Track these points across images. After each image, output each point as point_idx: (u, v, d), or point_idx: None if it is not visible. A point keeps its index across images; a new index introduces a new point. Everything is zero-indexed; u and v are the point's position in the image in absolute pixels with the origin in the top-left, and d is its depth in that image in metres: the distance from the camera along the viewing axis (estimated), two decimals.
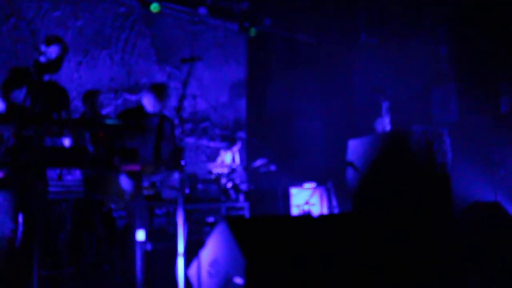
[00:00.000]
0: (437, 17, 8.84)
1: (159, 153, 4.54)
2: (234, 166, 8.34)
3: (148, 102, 4.45)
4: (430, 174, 4.36)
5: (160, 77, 9.29)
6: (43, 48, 3.42)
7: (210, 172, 8.64)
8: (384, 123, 7.40)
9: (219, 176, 8.21)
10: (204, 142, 9.83)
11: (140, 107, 4.58)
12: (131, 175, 3.60)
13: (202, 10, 9.32)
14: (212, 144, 9.91)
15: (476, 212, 4.85)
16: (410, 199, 4.20)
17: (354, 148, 4.69)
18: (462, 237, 4.51)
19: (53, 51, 3.44)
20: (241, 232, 3.05)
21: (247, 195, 7.75)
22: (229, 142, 8.78)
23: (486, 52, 7.58)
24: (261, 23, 10.33)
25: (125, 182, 4.25)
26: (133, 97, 8.78)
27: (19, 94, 3.29)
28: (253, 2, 9.93)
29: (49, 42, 3.45)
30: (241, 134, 10.49)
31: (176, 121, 5.90)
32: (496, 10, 7.52)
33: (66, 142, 3.47)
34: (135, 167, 3.44)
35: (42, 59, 3.40)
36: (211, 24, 10.23)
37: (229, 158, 8.44)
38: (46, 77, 3.46)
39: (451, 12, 8.29)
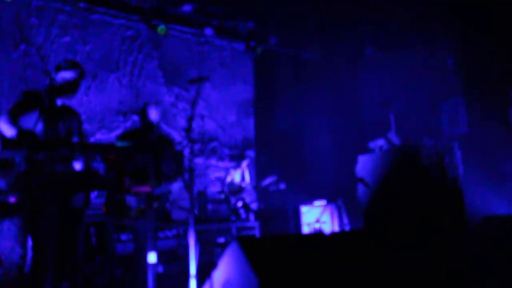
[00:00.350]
0: (443, 29, 8.85)
1: (160, 169, 4.57)
2: (244, 185, 8.32)
3: (153, 115, 4.53)
4: (442, 188, 4.32)
5: (168, 99, 9.36)
6: (60, 72, 3.46)
7: (220, 192, 8.64)
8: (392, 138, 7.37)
9: (228, 195, 8.21)
10: (213, 162, 9.84)
11: (138, 129, 4.63)
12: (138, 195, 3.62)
13: (208, 31, 9.42)
14: (221, 164, 9.91)
15: (490, 226, 4.78)
16: (423, 214, 4.16)
17: (364, 163, 4.67)
18: (477, 252, 4.44)
19: (69, 75, 3.49)
20: (253, 252, 3.02)
21: (258, 215, 7.72)
22: (238, 160, 8.78)
23: (494, 64, 7.56)
24: (267, 42, 10.41)
25: (129, 199, 4.27)
26: None
27: (31, 118, 3.32)
28: (258, 21, 10.03)
29: (66, 66, 3.49)
30: (250, 153, 10.49)
31: (185, 142, 5.93)
32: (504, 21, 7.52)
33: (77, 166, 3.48)
34: (146, 189, 3.46)
35: (58, 81, 3.44)
36: (217, 45, 10.32)
37: (238, 176, 8.42)
38: (59, 102, 3.49)
39: (458, 23, 8.30)
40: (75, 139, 3.62)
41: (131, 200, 4.29)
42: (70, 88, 3.44)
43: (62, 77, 3.47)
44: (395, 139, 7.18)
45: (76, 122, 3.64)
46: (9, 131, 3.17)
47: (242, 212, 8.31)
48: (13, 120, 3.23)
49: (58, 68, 3.46)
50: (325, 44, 10.93)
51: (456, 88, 8.97)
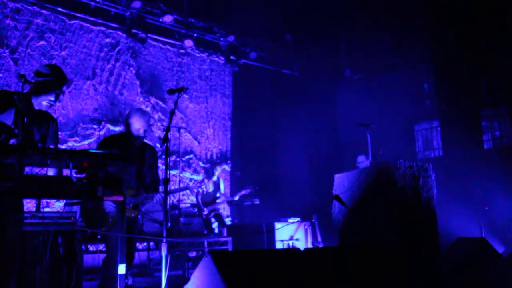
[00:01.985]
0: (420, 54, 9.05)
1: (142, 178, 4.47)
2: (218, 195, 8.23)
3: (139, 123, 4.39)
4: (416, 209, 4.34)
5: (144, 109, 9.23)
6: (41, 76, 3.31)
7: (193, 205, 8.52)
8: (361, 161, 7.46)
9: (201, 206, 8.10)
10: (188, 175, 9.72)
11: (122, 134, 4.53)
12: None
13: (189, 43, 9.39)
14: (196, 177, 9.81)
15: (462, 248, 4.82)
16: (397, 234, 4.16)
17: (340, 182, 4.66)
18: (449, 272, 4.46)
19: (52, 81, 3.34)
20: (226, 266, 2.96)
21: (231, 230, 7.63)
22: (212, 168, 8.69)
23: (469, 90, 7.75)
24: (247, 56, 10.43)
25: (108, 205, 4.16)
26: (116, 128, 8.69)
27: (4, 120, 3.19)
28: (239, 35, 10.05)
29: (46, 73, 3.34)
30: (225, 167, 10.42)
31: (159, 153, 5.84)
32: (478, 49, 7.73)
33: (51, 172, 3.36)
34: (119, 198, 3.35)
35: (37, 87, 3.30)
36: (197, 57, 10.29)
37: (212, 186, 8.32)
38: (36, 106, 3.36)
39: (434, 49, 8.49)
40: (50, 146, 3.50)
41: (108, 206, 4.17)
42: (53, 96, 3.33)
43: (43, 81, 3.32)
44: (365, 163, 7.26)
45: (53, 128, 3.52)
46: None
47: (215, 226, 8.21)
48: None
49: (39, 74, 3.31)
50: (304, 62, 11.02)
51: (431, 112, 9.15)
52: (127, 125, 4.45)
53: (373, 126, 6.30)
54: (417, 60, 9.42)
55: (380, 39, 9.93)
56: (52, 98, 3.34)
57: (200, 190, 8.00)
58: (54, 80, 3.31)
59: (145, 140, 4.62)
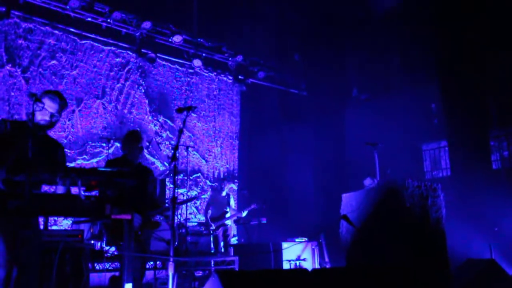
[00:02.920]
0: (427, 74, 9.06)
1: (151, 195, 4.56)
2: (228, 210, 8.19)
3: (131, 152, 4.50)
4: (425, 229, 4.30)
5: (152, 127, 9.30)
6: (45, 101, 3.35)
7: (200, 224, 8.50)
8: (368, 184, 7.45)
9: (209, 222, 8.08)
10: (195, 193, 9.72)
11: (124, 157, 4.58)
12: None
13: (197, 62, 9.50)
14: (203, 196, 9.81)
15: (471, 269, 4.76)
16: (405, 255, 4.12)
17: (348, 201, 4.64)
18: None
19: (54, 107, 3.39)
20: (232, 286, 2.94)
21: (238, 249, 7.59)
22: (219, 186, 8.64)
23: (477, 110, 7.73)
24: (255, 76, 10.52)
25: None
26: None
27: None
28: (247, 55, 10.15)
29: (53, 97, 3.39)
30: (233, 186, 10.42)
31: (167, 171, 5.86)
32: (487, 69, 7.74)
33: (60, 190, 3.38)
34: (127, 216, 3.36)
35: (40, 115, 3.35)
36: (205, 76, 10.39)
37: (220, 204, 8.29)
38: (40, 132, 3.41)
39: (441, 69, 8.50)
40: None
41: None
42: (51, 121, 3.39)
43: (49, 111, 3.37)
44: (372, 185, 7.24)
45: (60, 154, 3.56)
46: None
47: (222, 246, 8.17)
48: None
49: (45, 102, 3.35)
50: (312, 82, 11.08)
51: (439, 131, 9.12)
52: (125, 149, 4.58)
53: (381, 145, 6.29)
54: (425, 80, 9.43)
55: (387, 59, 9.98)
56: (47, 118, 3.38)
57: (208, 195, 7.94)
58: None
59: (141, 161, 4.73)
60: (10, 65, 7.59)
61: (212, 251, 7.90)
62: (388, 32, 9.62)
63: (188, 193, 9.24)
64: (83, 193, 2.95)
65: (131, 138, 4.57)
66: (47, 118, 3.36)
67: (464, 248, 5.69)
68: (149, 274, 7.27)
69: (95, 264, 6.67)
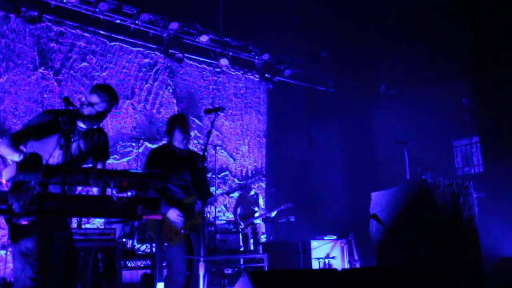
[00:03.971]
0: (458, 68, 8.86)
1: (197, 185, 4.33)
2: (257, 210, 8.23)
3: (176, 136, 4.26)
4: (457, 228, 4.23)
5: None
6: (94, 98, 3.39)
7: (229, 223, 8.56)
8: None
9: (239, 220, 8.13)
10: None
11: (168, 145, 4.40)
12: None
13: (224, 62, 9.54)
14: (231, 194, 9.86)
15: (506, 268, 4.66)
16: (437, 254, 4.06)
17: (378, 200, 4.60)
18: None
19: (103, 105, 3.42)
20: (263, 286, 2.96)
21: (266, 247, 7.62)
22: (250, 181, 8.68)
23: (510, 104, 7.53)
24: (282, 74, 10.50)
25: (172, 217, 4.08)
26: (153, 146, 8.86)
27: (50, 141, 3.32)
28: (273, 53, 10.14)
29: (104, 95, 3.39)
30: (261, 184, 10.44)
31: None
32: None
33: (95, 190, 3.47)
34: (158, 216, 3.42)
35: (87, 111, 3.39)
36: (232, 75, 10.44)
37: (248, 203, 8.33)
38: (85, 125, 3.46)
39: (472, 62, 8.31)
40: (99, 165, 3.60)
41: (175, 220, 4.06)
42: (98, 116, 3.42)
43: (96, 109, 3.39)
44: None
45: (102, 142, 3.63)
46: (9, 155, 3.15)
47: (251, 243, 8.21)
48: (16, 144, 3.18)
49: (94, 100, 3.36)
50: (339, 78, 11.00)
51: (470, 127, 8.92)
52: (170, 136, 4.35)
53: (411, 144, 6.20)
54: (455, 74, 9.22)
55: (416, 53, 9.80)
56: (93, 115, 3.41)
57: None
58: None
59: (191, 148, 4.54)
60: (43, 68, 7.79)
61: (241, 249, 7.95)
62: (416, 25, 9.44)
63: (217, 191, 9.30)
64: (115, 194, 3.01)
65: (175, 121, 4.31)
66: (94, 115, 3.40)
67: (498, 247, 5.56)
68: None
69: (127, 262, 6.81)
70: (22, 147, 3.26)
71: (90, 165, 3.62)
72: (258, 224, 8.24)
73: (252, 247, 8.22)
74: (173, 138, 4.26)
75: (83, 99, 3.39)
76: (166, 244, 4.04)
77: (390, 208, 4.50)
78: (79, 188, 6.78)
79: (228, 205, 9.72)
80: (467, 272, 3.95)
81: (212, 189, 9.06)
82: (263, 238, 9.43)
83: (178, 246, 4.05)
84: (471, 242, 4.22)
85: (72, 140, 3.35)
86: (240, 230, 8.06)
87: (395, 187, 4.62)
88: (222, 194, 4.28)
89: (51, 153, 3.13)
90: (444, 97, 9.10)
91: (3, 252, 6.71)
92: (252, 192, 8.37)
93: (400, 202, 4.41)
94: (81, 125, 3.44)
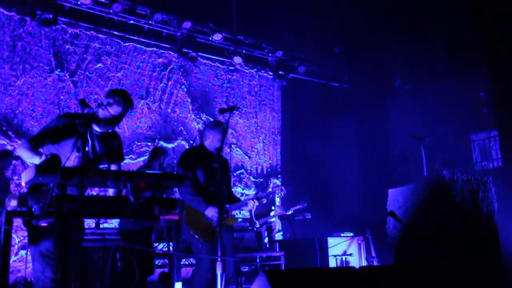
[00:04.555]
0: (475, 61, 8.72)
1: (229, 187, 4.62)
2: (273, 208, 8.23)
3: (213, 141, 4.40)
4: (476, 224, 4.17)
5: (195, 125, 9.44)
6: (109, 102, 3.42)
7: (245, 220, 8.57)
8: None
9: (254, 218, 8.13)
10: (239, 189, 9.81)
11: (200, 146, 4.56)
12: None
13: (238, 60, 9.54)
14: (247, 191, 9.88)
15: None
16: (456, 252, 4.01)
17: (395, 197, 4.56)
18: None
19: (118, 109, 3.46)
20: (280, 286, 2.96)
21: (283, 244, 7.61)
22: (265, 183, 8.72)
23: None
24: (296, 71, 10.47)
25: (210, 215, 4.22)
26: (169, 145, 8.91)
27: (67, 144, 3.35)
28: (287, 50, 10.11)
29: (119, 100, 3.44)
30: (276, 181, 10.44)
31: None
32: None
33: (110, 191, 3.50)
34: (174, 217, 3.45)
35: (103, 115, 3.42)
36: (246, 73, 10.43)
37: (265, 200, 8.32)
38: (100, 129, 3.50)
39: (490, 55, 8.17)
40: (114, 166, 3.66)
41: (210, 215, 4.24)
42: (114, 121, 3.46)
43: (111, 113, 3.44)
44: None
45: (117, 145, 3.68)
46: (29, 158, 3.20)
47: (267, 241, 8.22)
48: (35, 147, 3.22)
49: (109, 103, 3.41)
50: (353, 74, 10.93)
51: (488, 121, 8.78)
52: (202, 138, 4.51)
53: (428, 139, 6.13)
54: (472, 67, 9.08)
55: (432, 46, 9.67)
56: (109, 119, 3.45)
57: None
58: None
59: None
60: (59, 70, 7.88)
61: (256, 247, 7.96)
62: (431, 17, 9.31)
63: (232, 189, 9.32)
64: (132, 195, 3.04)
65: (213, 127, 4.49)
66: (109, 119, 3.44)
67: None
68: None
69: None
70: (40, 150, 3.31)
71: (105, 166, 3.67)
72: (273, 222, 8.23)
73: (268, 245, 8.22)
74: (207, 142, 4.46)
75: (99, 102, 3.44)
76: (201, 240, 4.20)
77: (407, 205, 4.45)
78: (96, 189, 6.86)
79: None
80: (487, 269, 3.90)
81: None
82: (279, 236, 9.42)
83: (212, 242, 4.18)
84: (490, 239, 4.16)
85: (88, 143, 3.39)
86: (255, 229, 8.07)
87: (413, 183, 4.57)
88: (252, 199, 4.41)
89: (69, 155, 3.17)
90: (461, 91, 8.97)
91: (23, 252, 6.82)
92: (269, 190, 8.37)
93: (417, 198, 4.37)
94: (96, 128, 3.48)
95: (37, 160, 3.14)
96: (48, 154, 3.17)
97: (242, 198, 9.33)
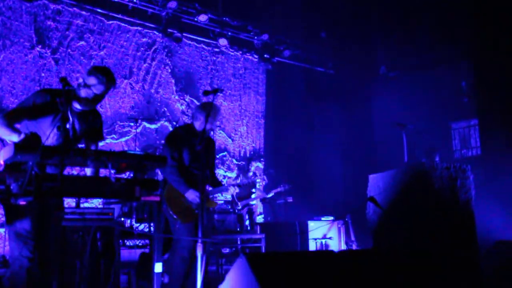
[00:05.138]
0: (458, 51, 8.81)
1: (213, 170, 4.61)
2: (254, 191, 8.27)
3: (202, 123, 4.31)
4: (453, 211, 4.25)
5: (179, 107, 9.37)
6: (91, 80, 3.34)
7: (227, 203, 8.60)
8: None
9: (236, 200, 8.17)
10: (221, 172, 9.82)
11: (191, 125, 4.53)
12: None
13: (223, 42, 9.46)
14: (229, 174, 9.89)
15: (501, 252, 4.70)
16: (433, 237, 4.09)
17: (375, 183, 4.61)
18: (488, 277, 4.36)
19: (101, 88, 3.39)
20: (260, 268, 2.98)
21: (264, 227, 7.67)
22: (247, 166, 8.73)
23: (508, 87, 7.51)
24: (281, 55, 10.43)
25: (191, 198, 4.24)
26: (152, 126, 8.85)
27: (45, 121, 3.29)
28: (273, 34, 10.05)
29: (101, 78, 3.35)
30: (259, 165, 10.46)
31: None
32: None
33: (88, 171, 3.47)
34: (155, 198, 3.43)
35: (85, 93, 3.35)
36: (231, 55, 10.36)
37: (247, 185, 8.37)
38: (80, 107, 3.43)
39: (473, 46, 8.26)
40: (92, 146, 3.61)
41: (191, 198, 4.25)
42: (95, 99, 3.39)
43: (93, 91, 3.36)
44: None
45: (97, 124, 3.63)
46: (5, 135, 3.13)
47: (248, 223, 8.27)
48: (11, 123, 3.15)
49: (91, 81, 3.33)
50: (339, 60, 10.93)
51: (469, 110, 8.91)
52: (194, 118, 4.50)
53: (410, 127, 6.19)
54: (455, 57, 9.17)
55: (417, 35, 9.73)
56: (90, 97, 3.38)
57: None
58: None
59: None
60: (40, 47, 7.72)
61: (238, 229, 8.01)
62: (417, 7, 9.35)
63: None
64: (113, 175, 3.02)
65: (201, 109, 4.42)
66: (91, 97, 3.37)
67: (494, 230, 5.61)
68: None
69: (126, 241, 6.85)
70: (17, 127, 3.23)
71: (83, 146, 3.62)
72: (254, 205, 8.28)
73: (248, 228, 8.28)
74: (197, 123, 4.41)
75: (80, 80, 3.36)
76: (179, 221, 4.24)
77: (387, 190, 4.51)
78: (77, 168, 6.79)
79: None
80: (462, 254, 3.99)
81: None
82: (260, 219, 9.49)
83: (190, 224, 4.25)
84: (466, 225, 4.24)
85: (68, 121, 3.33)
86: (236, 210, 8.11)
87: (393, 169, 4.62)
88: (233, 185, 4.43)
89: (48, 134, 3.12)
90: (444, 80, 9.07)
91: (2, 230, 6.75)
92: (251, 173, 8.38)
93: (397, 184, 4.42)
94: (77, 106, 3.41)
95: (15, 138, 3.08)
96: (28, 132, 3.12)
97: (224, 181, 9.38)
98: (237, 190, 4.54)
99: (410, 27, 9.61)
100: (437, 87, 8.99)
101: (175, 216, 4.23)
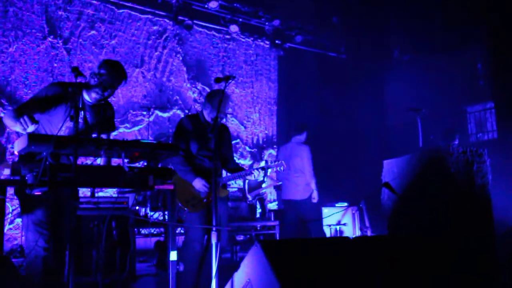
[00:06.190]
0: (472, 33, 8.64)
1: (223, 158, 4.50)
2: (265, 180, 8.26)
3: (212, 111, 4.33)
4: (470, 196, 4.19)
5: (191, 95, 9.36)
6: (103, 72, 3.34)
7: (240, 190, 8.61)
8: None
9: (246, 191, 8.17)
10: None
11: (199, 114, 4.51)
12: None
13: (234, 28, 9.39)
14: (242, 161, 9.89)
15: None
16: (449, 223, 4.04)
17: (390, 168, 4.56)
18: (503, 262, 4.32)
19: (109, 83, 3.37)
20: (275, 256, 2.98)
21: (278, 214, 7.67)
22: (259, 155, 8.71)
23: None
24: (293, 40, 10.33)
25: (198, 186, 4.22)
26: (164, 114, 8.86)
27: (57, 113, 3.31)
28: (284, 19, 9.95)
29: (111, 71, 3.35)
30: (272, 152, 10.44)
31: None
32: None
33: (99, 161, 3.47)
34: (169, 186, 3.44)
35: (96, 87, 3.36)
36: (242, 42, 10.30)
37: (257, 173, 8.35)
38: (92, 98, 3.44)
39: (490, 27, 8.09)
40: (105, 132, 3.62)
41: (199, 187, 4.21)
42: (103, 98, 3.41)
43: (104, 85, 3.36)
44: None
45: (109, 114, 3.64)
46: (14, 126, 3.13)
47: (262, 211, 8.28)
48: (20, 116, 3.14)
49: (101, 75, 3.33)
50: (351, 44, 10.80)
51: (484, 93, 8.76)
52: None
53: (424, 111, 6.11)
54: (470, 39, 8.99)
55: (430, 18, 9.55)
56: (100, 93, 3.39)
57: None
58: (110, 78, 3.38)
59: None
60: (52, 37, 7.74)
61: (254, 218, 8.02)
62: None
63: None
64: (126, 164, 3.02)
65: (211, 97, 4.42)
66: (101, 92, 3.38)
67: (511, 214, 5.54)
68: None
69: (141, 229, 6.91)
70: None
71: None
72: (264, 193, 8.27)
73: (260, 215, 8.29)
74: (206, 111, 4.39)
75: (92, 71, 3.37)
76: (186, 210, 4.21)
77: (402, 176, 4.46)
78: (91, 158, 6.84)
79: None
80: (478, 240, 3.94)
81: None
82: (274, 206, 9.49)
83: (198, 214, 4.21)
84: (483, 210, 4.19)
85: (80, 113, 3.34)
86: (248, 202, 8.11)
87: (408, 154, 4.57)
88: (258, 169, 4.32)
89: (61, 125, 3.13)
90: (458, 63, 8.91)
91: (19, 220, 6.84)
92: (263, 163, 8.36)
93: (412, 169, 4.37)
94: (88, 98, 3.42)
95: (18, 129, 3.07)
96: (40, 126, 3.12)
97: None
98: (262, 173, 4.44)
99: (422, 10, 9.43)
100: (452, 70, 8.83)
101: (180, 205, 4.20)
